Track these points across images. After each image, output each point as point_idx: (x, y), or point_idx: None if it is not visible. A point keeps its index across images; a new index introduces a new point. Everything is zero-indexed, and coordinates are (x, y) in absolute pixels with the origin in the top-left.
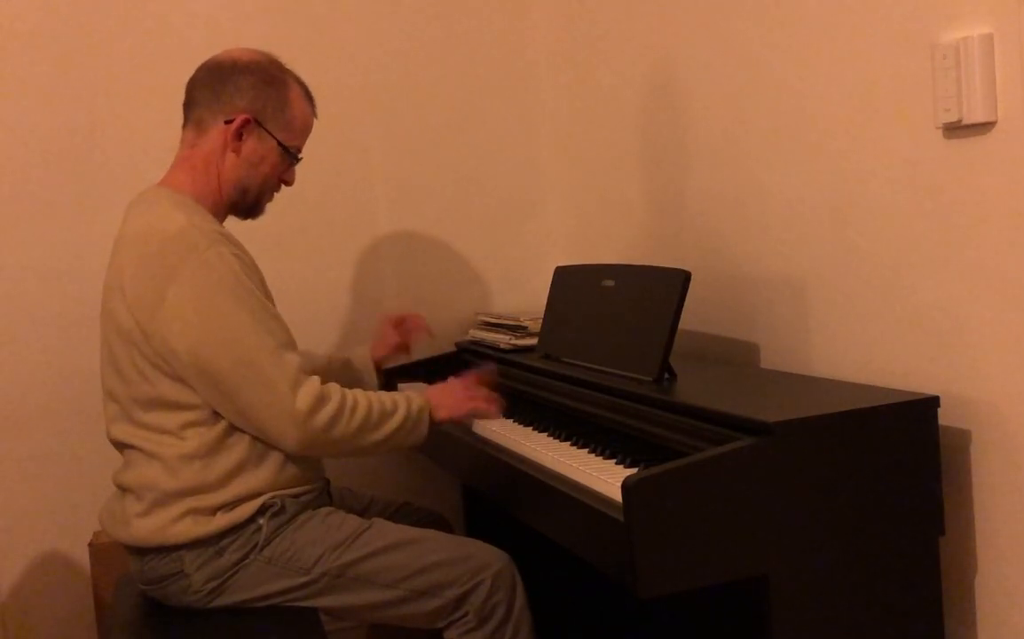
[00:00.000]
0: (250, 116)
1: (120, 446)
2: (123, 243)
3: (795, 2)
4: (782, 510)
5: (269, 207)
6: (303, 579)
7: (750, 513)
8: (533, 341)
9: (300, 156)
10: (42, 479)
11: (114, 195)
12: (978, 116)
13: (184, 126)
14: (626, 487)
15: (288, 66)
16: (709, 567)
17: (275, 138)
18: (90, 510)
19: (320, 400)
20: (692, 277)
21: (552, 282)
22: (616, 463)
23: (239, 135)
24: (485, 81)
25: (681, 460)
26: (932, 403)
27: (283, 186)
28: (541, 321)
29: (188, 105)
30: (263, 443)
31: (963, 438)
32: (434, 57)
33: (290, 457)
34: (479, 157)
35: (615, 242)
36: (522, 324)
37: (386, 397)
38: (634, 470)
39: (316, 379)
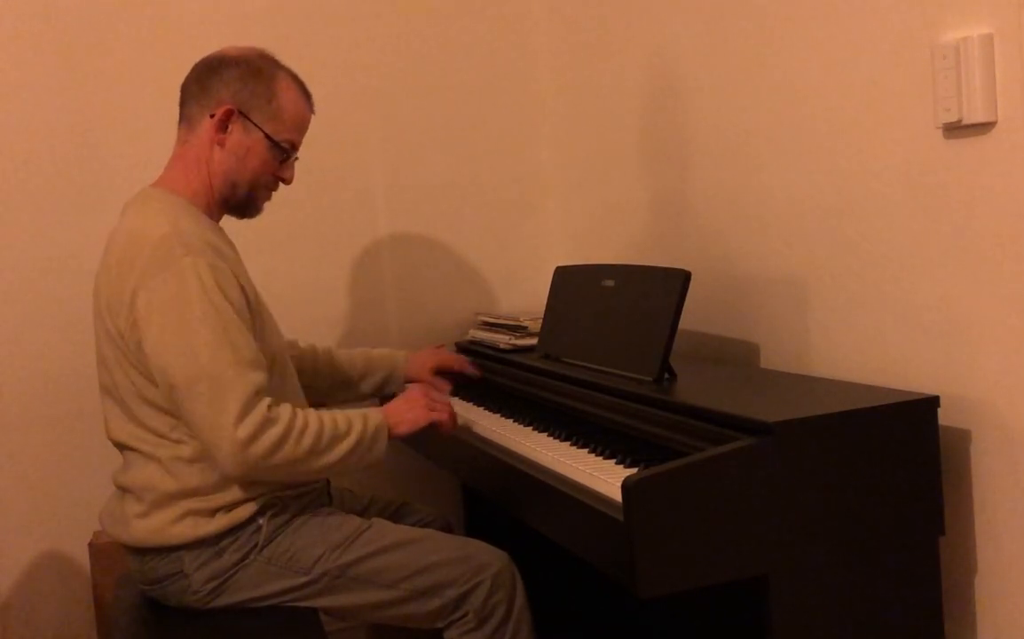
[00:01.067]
0: (232, 107)
1: (120, 447)
2: (112, 245)
3: (795, 2)
4: (782, 510)
5: (268, 207)
6: (303, 579)
7: (750, 513)
8: (533, 341)
9: (294, 151)
10: (42, 479)
11: (115, 194)
12: (978, 116)
13: (179, 125)
14: (626, 487)
15: (283, 61)
16: (709, 567)
17: (261, 130)
18: (90, 510)
19: (262, 426)
20: (692, 277)
21: (552, 282)
22: (616, 463)
23: (224, 127)
24: (485, 81)
25: (681, 460)
26: (932, 403)
27: (281, 184)
28: (541, 321)
29: (181, 104)
30: None
31: (963, 438)
32: (434, 57)
33: None
34: (479, 157)
35: (615, 242)
36: (522, 324)
37: (340, 418)
38: (634, 470)
39: (265, 403)
